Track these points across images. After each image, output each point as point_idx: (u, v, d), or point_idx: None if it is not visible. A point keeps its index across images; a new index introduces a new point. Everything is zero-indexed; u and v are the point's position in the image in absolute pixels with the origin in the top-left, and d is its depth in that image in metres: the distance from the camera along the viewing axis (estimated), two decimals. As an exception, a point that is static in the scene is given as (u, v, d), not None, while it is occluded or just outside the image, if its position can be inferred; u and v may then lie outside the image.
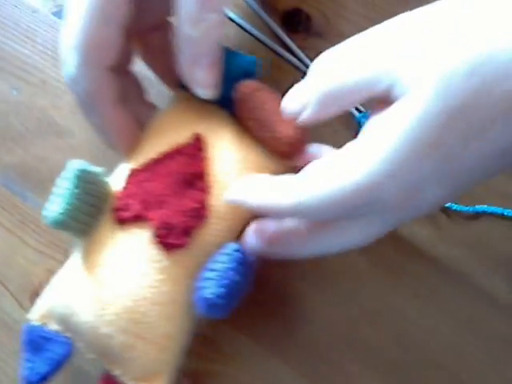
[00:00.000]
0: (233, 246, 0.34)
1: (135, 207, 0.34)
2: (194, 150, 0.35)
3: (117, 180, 0.36)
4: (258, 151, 0.36)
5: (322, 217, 0.31)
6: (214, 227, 0.35)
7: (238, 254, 0.33)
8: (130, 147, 0.37)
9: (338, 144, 0.32)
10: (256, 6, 0.46)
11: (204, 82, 0.35)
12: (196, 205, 0.34)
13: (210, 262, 0.34)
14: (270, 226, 0.34)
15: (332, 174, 0.29)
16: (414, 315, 0.40)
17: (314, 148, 0.36)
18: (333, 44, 0.31)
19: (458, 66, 0.26)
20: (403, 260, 0.41)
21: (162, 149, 0.36)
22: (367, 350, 0.40)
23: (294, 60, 0.45)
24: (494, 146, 0.27)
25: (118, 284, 0.33)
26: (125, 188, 0.35)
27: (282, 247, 0.34)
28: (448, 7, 0.28)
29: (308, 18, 0.46)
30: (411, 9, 0.29)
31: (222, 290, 0.32)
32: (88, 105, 0.36)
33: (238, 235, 0.36)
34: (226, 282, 0.33)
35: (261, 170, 0.36)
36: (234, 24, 0.46)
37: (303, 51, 0.45)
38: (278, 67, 0.45)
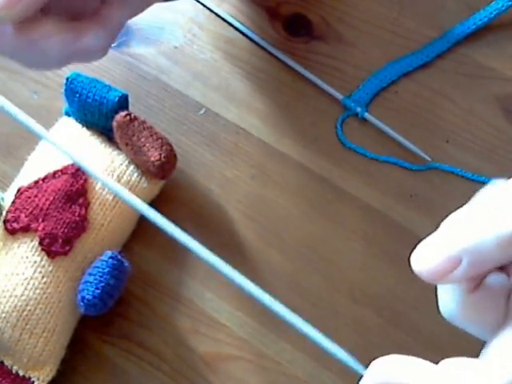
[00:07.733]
0: (109, 253, 0.39)
1: (23, 219, 0.39)
2: (76, 170, 0.40)
3: (10, 196, 0.41)
4: (132, 171, 0.42)
5: None
6: (93, 237, 0.40)
7: (112, 261, 0.39)
8: None
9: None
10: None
11: None
12: (77, 218, 0.39)
13: (90, 268, 0.39)
14: None
15: None
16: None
17: None
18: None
19: None
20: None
21: (48, 169, 0.41)
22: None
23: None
24: None
25: (9, 286, 0.38)
26: (16, 203, 0.40)
27: None
28: None
29: (309, 22, 0.49)
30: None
31: (99, 291, 0.38)
32: None
33: (116, 244, 0.42)
34: (102, 284, 0.38)
35: (133, 188, 0.42)
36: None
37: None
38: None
